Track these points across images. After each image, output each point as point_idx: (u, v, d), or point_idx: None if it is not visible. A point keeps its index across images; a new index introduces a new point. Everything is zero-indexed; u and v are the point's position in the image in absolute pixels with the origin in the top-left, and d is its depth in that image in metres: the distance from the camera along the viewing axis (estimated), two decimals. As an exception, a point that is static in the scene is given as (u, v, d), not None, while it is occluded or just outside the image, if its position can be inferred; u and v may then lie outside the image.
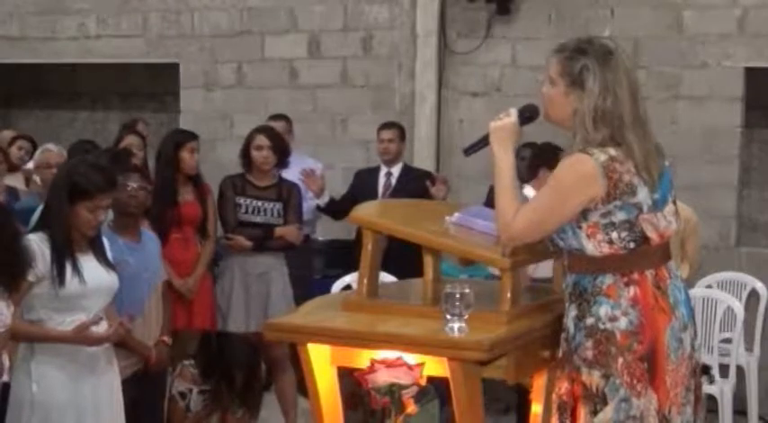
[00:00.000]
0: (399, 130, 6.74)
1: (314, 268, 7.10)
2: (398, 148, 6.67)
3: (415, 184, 6.37)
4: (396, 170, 6.64)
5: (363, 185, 6.57)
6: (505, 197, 3.09)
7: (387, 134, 6.67)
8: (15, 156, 6.72)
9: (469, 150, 3.29)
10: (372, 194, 6.40)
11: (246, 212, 5.82)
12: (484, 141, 3.21)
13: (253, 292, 5.75)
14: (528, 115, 3.18)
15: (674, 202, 3.17)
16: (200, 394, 5.21)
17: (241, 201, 5.83)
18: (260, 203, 5.83)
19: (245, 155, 5.89)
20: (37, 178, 5.76)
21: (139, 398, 4.45)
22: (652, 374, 3.01)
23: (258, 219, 5.83)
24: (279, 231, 5.81)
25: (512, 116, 3.16)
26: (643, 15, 7.12)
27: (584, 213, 3.02)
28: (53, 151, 5.67)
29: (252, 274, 5.78)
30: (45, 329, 3.72)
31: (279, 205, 5.85)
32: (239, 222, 5.81)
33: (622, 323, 3.01)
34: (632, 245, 3.03)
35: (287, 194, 5.89)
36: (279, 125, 6.65)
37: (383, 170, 6.66)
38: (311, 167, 6.49)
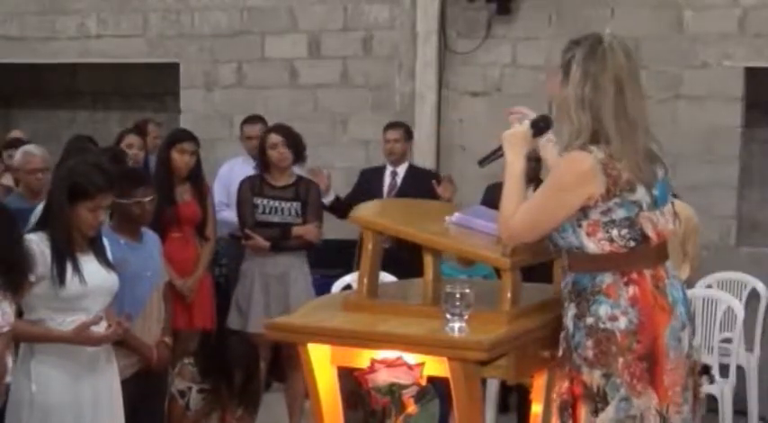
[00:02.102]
0: (405, 130, 6.76)
1: (314, 268, 7.09)
2: (404, 148, 6.68)
3: (420, 184, 6.37)
4: (401, 170, 6.65)
5: (368, 185, 6.57)
6: (510, 199, 3.12)
7: (392, 134, 6.69)
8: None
9: (484, 162, 3.35)
10: (377, 194, 6.40)
11: (264, 213, 5.82)
12: (497, 152, 3.26)
13: (273, 293, 5.75)
14: (542, 125, 3.20)
15: (672, 204, 3.19)
16: (200, 393, 5.20)
17: (258, 201, 5.82)
18: (277, 203, 5.83)
19: (261, 157, 5.88)
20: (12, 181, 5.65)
21: (140, 398, 4.44)
22: (651, 373, 3.02)
23: (275, 218, 5.82)
24: (297, 230, 5.80)
25: (523, 124, 3.20)
26: (643, 15, 7.12)
27: (585, 211, 3.03)
28: (36, 155, 5.53)
29: (272, 274, 5.77)
30: (45, 329, 3.71)
31: (296, 205, 5.83)
32: (257, 223, 5.80)
33: (622, 323, 3.02)
34: (632, 243, 3.04)
35: (305, 193, 5.87)
36: (257, 127, 6.67)
37: (388, 170, 6.67)
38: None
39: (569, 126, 3.05)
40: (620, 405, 3.01)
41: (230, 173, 6.68)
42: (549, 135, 3.27)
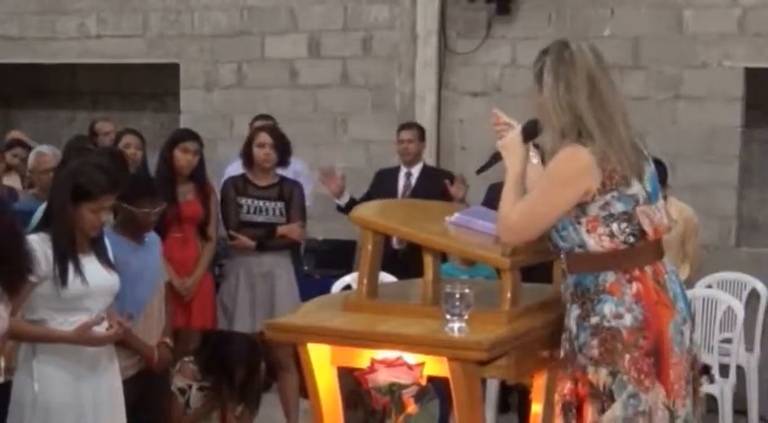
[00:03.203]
0: (419, 131, 6.76)
1: (314, 268, 7.10)
2: (418, 149, 6.69)
3: (434, 185, 6.37)
4: (415, 170, 6.65)
5: (383, 185, 6.57)
6: (508, 198, 3.16)
7: (406, 134, 6.69)
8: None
9: (481, 170, 3.43)
10: (392, 194, 6.42)
11: (248, 213, 5.84)
12: (493, 160, 3.33)
13: (258, 292, 5.76)
14: (532, 130, 3.24)
15: (665, 199, 3.24)
16: (200, 390, 5.21)
17: (242, 201, 5.84)
18: (261, 203, 5.85)
19: (247, 152, 5.90)
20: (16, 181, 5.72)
21: (141, 398, 4.44)
22: (658, 368, 3.04)
23: (260, 218, 5.84)
24: (281, 230, 5.82)
25: (515, 129, 3.24)
26: (643, 15, 7.13)
27: (582, 207, 3.06)
28: (47, 155, 5.60)
29: (256, 273, 5.79)
30: (47, 330, 3.71)
31: (280, 204, 5.86)
32: (241, 223, 5.81)
33: (627, 320, 3.04)
34: (632, 239, 3.07)
35: (288, 193, 5.90)
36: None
37: (403, 170, 6.68)
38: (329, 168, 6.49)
39: (551, 131, 3.10)
40: (628, 402, 3.03)
41: (237, 172, 6.64)
42: (534, 156, 3.32)
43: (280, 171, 6.02)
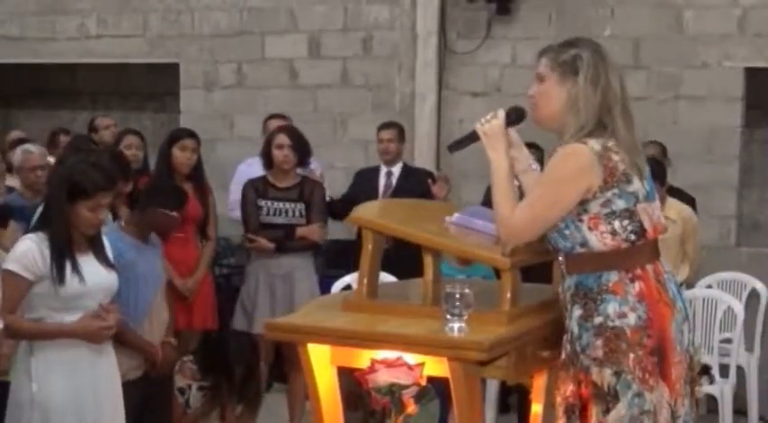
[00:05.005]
0: (399, 130, 6.75)
1: (315, 268, 7.08)
2: (398, 148, 6.68)
3: (415, 184, 6.37)
4: (396, 170, 6.64)
5: (364, 185, 6.57)
6: (504, 196, 3.13)
7: (386, 134, 6.68)
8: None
9: (454, 147, 3.36)
10: (373, 194, 6.40)
11: (268, 214, 5.82)
12: (469, 138, 3.27)
13: (278, 294, 5.75)
14: (515, 117, 3.23)
15: (663, 200, 3.25)
16: (200, 390, 5.21)
17: (262, 203, 5.83)
18: (281, 205, 5.83)
19: (266, 153, 5.89)
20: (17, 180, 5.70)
21: (146, 400, 4.44)
22: (662, 367, 3.04)
23: (280, 220, 5.82)
24: (300, 231, 5.80)
25: (498, 117, 3.21)
26: (643, 15, 7.13)
27: (584, 205, 3.06)
28: (34, 153, 5.58)
29: (276, 275, 5.78)
30: (45, 324, 3.69)
31: (300, 205, 5.84)
32: (261, 225, 5.80)
33: (631, 319, 3.03)
34: (633, 237, 3.06)
35: (309, 194, 5.88)
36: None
37: (383, 170, 6.66)
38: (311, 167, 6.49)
39: (575, 121, 3.07)
40: (632, 401, 3.02)
41: (249, 171, 6.61)
42: (533, 163, 3.32)
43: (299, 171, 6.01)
